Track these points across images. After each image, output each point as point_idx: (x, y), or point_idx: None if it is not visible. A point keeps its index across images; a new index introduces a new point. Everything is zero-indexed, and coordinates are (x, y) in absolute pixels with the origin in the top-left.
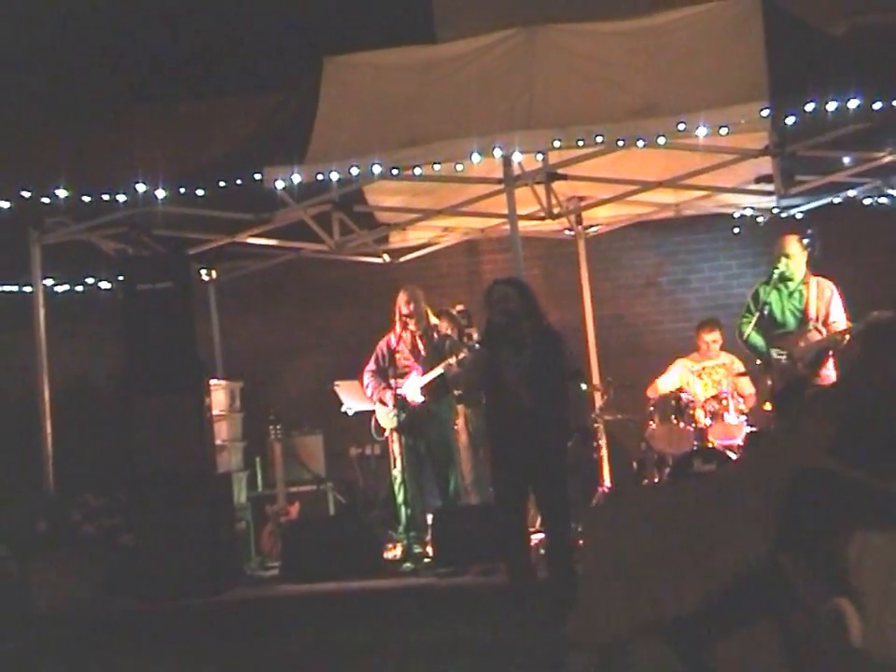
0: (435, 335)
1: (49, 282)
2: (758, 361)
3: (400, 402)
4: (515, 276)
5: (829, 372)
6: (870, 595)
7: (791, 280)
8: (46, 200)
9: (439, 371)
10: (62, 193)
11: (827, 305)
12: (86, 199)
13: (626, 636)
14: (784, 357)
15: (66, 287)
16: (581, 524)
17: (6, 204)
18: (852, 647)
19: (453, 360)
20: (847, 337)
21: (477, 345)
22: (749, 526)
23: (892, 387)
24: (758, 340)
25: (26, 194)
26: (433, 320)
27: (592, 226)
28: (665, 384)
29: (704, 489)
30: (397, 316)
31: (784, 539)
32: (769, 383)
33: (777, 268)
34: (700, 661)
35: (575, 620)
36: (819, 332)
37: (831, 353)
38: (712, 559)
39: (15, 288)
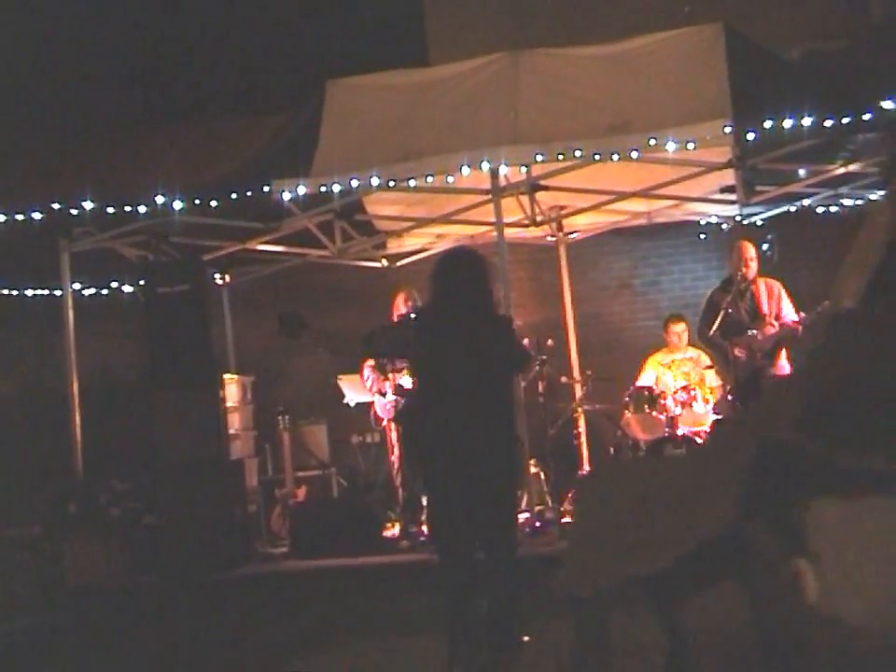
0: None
1: (77, 286)
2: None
3: (400, 391)
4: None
5: (783, 363)
6: (825, 558)
7: (745, 282)
8: (74, 211)
9: None
10: (88, 205)
11: (778, 302)
12: (110, 210)
13: (606, 591)
14: (744, 351)
15: (93, 290)
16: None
17: (37, 216)
18: (808, 604)
19: None
20: (800, 328)
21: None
22: (718, 494)
23: (851, 371)
24: (719, 339)
25: (56, 206)
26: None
27: (572, 232)
28: (643, 383)
29: (680, 461)
30: (395, 316)
31: (750, 506)
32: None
33: (740, 272)
34: (673, 615)
35: (561, 576)
36: (773, 326)
37: (784, 345)
38: (685, 524)
39: (46, 292)
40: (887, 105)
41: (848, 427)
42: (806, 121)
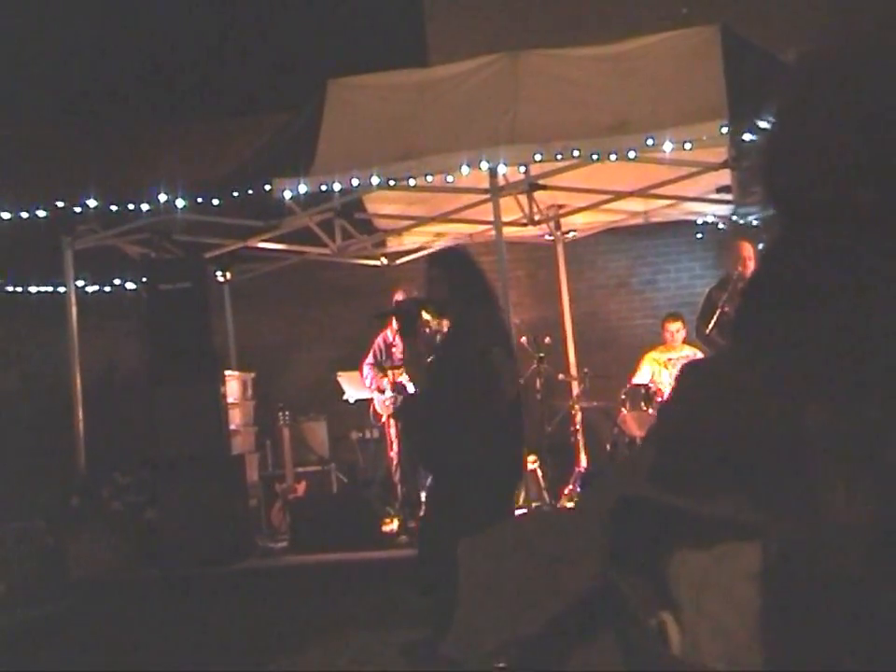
0: (427, 330)
1: (80, 283)
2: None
3: (399, 388)
4: (458, 248)
5: None
6: (686, 608)
7: (741, 280)
8: (77, 209)
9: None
10: (91, 203)
11: None
12: (113, 208)
13: (492, 653)
14: None
15: (96, 287)
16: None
17: (41, 213)
18: (673, 655)
19: None
20: None
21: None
22: (588, 549)
23: (696, 420)
24: (717, 338)
25: (60, 204)
26: (425, 317)
27: (569, 231)
28: (639, 380)
29: (557, 519)
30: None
31: (615, 560)
32: None
33: (737, 271)
34: None
35: (451, 639)
36: None
37: None
38: (558, 581)
39: (50, 289)
40: None
41: (696, 476)
42: None
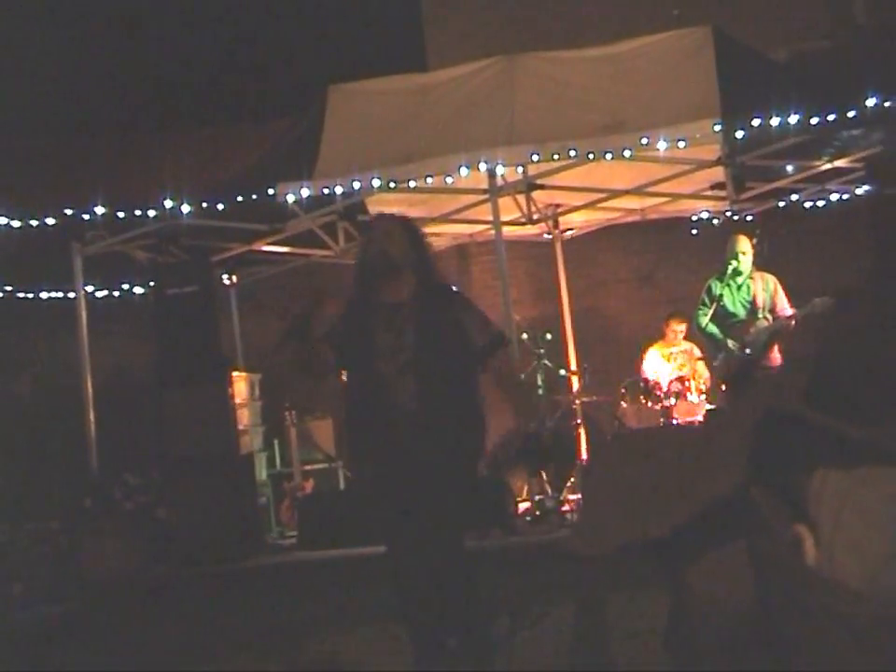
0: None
1: (89, 288)
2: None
3: None
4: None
5: (776, 355)
6: (824, 524)
7: (740, 275)
8: (86, 216)
9: None
10: (99, 210)
11: (773, 296)
12: (120, 214)
13: (618, 550)
14: (735, 345)
15: (105, 292)
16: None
17: (51, 221)
18: (807, 567)
19: None
20: (793, 322)
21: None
22: (725, 461)
23: (855, 350)
24: (714, 329)
25: (68, 212)
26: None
27: (567, 230)
28: (645, 371)
29: (691, 431)
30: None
31: (754, 473)
32: (726, 366)
33: (731, 264)
34: (679, 576)
35: (574, 536)
36: (767, 320)
37: (777, 338)
38: (693, 489)
39: (60, 295)
40: (870, 102)
41: (850, 401)
42: (793, 119)
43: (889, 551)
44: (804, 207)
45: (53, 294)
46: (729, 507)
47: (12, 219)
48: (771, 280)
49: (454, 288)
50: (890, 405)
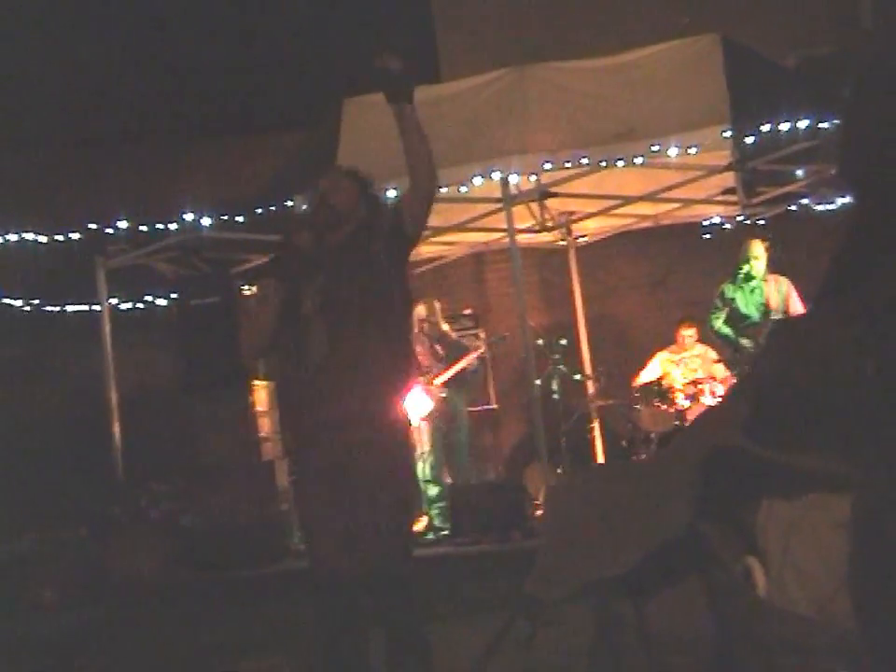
0: (449, 337)
1: (113, 301)
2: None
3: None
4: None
5: None
6: (773, 554)
7: (753, 278)
8: (108, 230)
9: (460, 366)
10: (122, 224)
11: (786, 299)
12: (143, 228)
13: (574, 593)
14: (751, 344)
15: (129, 304)
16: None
17: (75, 235)
18: (759, 598)
19: (472, 357)
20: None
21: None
22: (674, 498)
23: (790, 376)
24: (728, 331)
25: (92, 226)
26: (444, 327)
27: (581, 236)
28: (647, 375)
29: (642, 468)
30: (416, 325)
31: (703, 508)
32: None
33: (743, 268)
34: (636, 615)
35: (533, 580)
36: None
37: None
38: (645, 527)
39: (85, 308)
40: None
41: (789, 429)
42: (802, 124)
43: (838, 580)
44: (814, 211)
45: (79, 307)
46: (680, 543)
47: (38, 234)
48: (784, 283)
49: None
50: (824, 431)
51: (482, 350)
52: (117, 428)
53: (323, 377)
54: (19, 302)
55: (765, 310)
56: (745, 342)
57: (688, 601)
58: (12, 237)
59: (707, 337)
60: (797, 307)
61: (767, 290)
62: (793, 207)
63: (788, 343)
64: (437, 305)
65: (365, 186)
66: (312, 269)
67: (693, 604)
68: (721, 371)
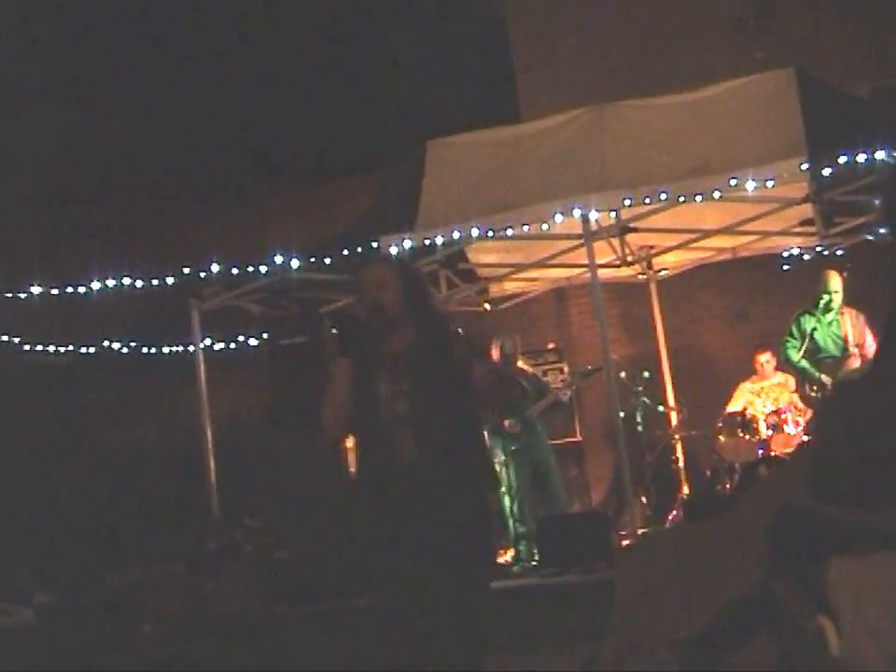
0: (526, 373)
1: (207, 342)
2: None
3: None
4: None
5: None
6: (844, 613)
7: (831, 311)
8: (202, 274)
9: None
10: (214, 268)
11: (862, 333)
12: (234, 271)
13: (649, 653)
14: (830, 381)
15: (222, 345)
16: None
17: (170, 280)
18: (832, 657)
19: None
20: None
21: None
22: (745, 557)
23: (857, 434)
24: (806, 365)
25: (186, 270)
26: (520, 363)
27: (661, 270)
28: (733, 406)
29: (712, 528)
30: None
31: (774, 568)
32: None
33: (822, 299)
34: None
35: (608, 642)
36: (856, 357)
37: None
38: (718, 587)
39: (180, 349)
40: None
41: (855, 488)
42: (879, 155)
43: None
44: (892, 240)
45: (174, 349)
46: (753, 602)
47: (135, 279)
48: (860, 316)
49: (458, 332)
50: (893, 488)
51: (567, 394)
52: (211, 465)
53: (413, 486)
54: (117, 345)
55: (843, 343)
56: (824, 377)
57: (761, 660)
58: (111, 282)
59: (783, 366)
60: (870, 340)
61: (844, 323)
62: (871, 237)
63: (852, 400)
64: (509, 343)
65: (409, 278)
66: (382, 359)
67: (766, 663)
68: (797, 401)
